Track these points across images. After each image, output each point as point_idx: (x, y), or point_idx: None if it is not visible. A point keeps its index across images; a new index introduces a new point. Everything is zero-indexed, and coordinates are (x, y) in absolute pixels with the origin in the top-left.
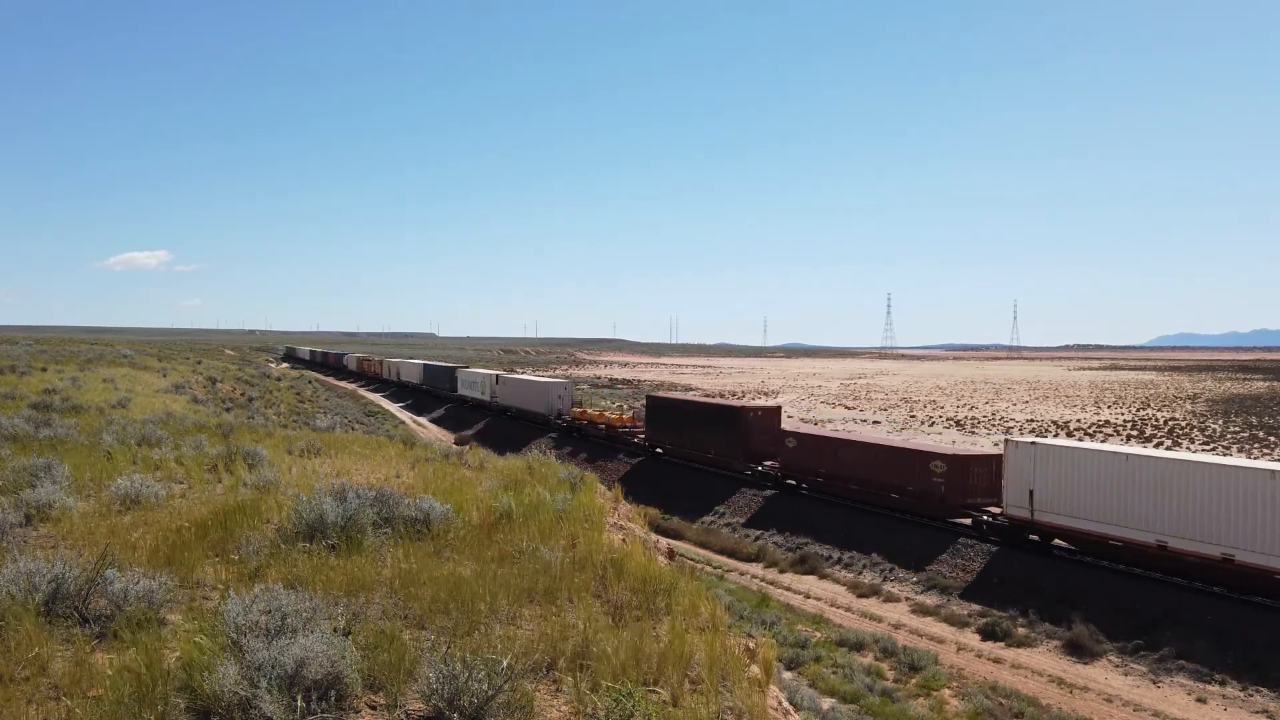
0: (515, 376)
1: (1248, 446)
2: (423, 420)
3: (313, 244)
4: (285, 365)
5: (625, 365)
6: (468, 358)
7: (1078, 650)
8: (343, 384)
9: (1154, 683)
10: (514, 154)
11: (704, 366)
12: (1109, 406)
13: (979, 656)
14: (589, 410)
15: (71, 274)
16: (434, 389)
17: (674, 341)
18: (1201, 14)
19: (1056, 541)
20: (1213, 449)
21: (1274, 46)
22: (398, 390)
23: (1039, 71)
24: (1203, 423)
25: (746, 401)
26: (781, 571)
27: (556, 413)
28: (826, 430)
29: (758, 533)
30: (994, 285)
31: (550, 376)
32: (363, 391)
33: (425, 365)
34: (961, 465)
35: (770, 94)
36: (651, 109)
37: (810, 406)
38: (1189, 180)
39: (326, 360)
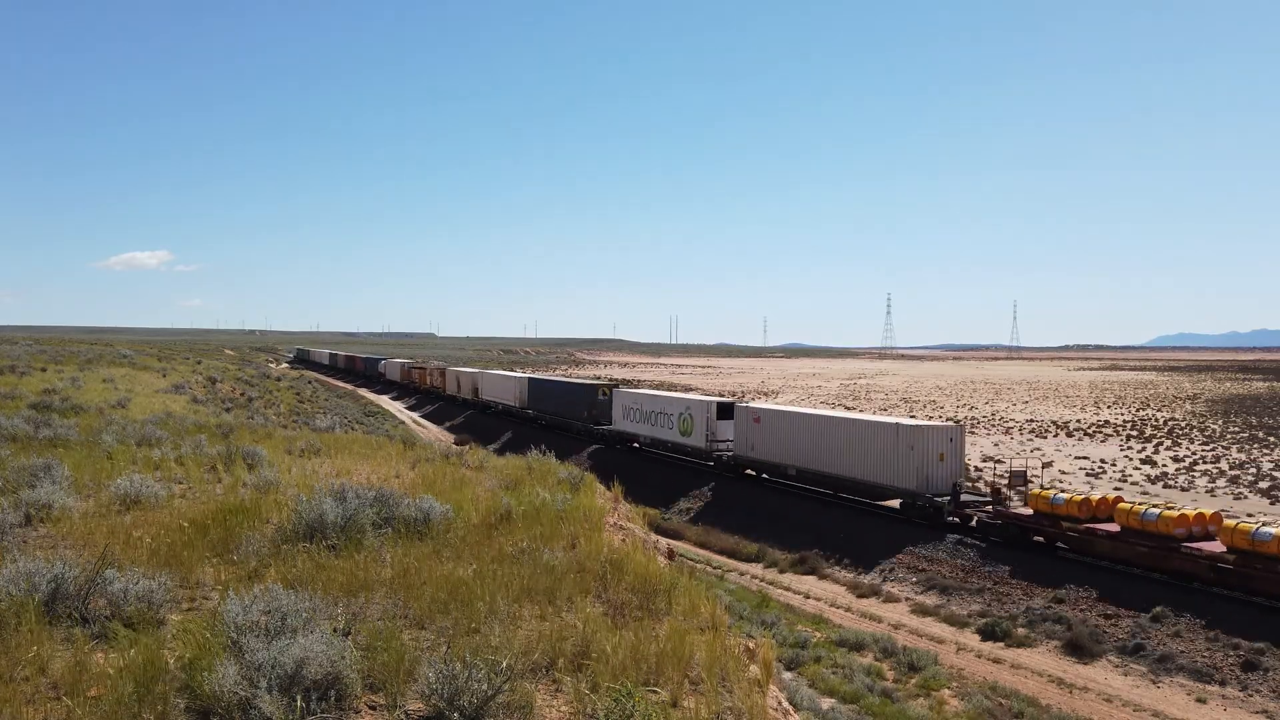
0: (798, 411)
1: (1247, 446)
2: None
3: (313, 244)
4: (284, 366)
5: (625, 365)
6: (467, 358)
7: (1077, 650)
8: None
9: (1154, 683)
10: (514, 154)
11: (704, 366)
12: (1109, 407)
13: (979, 656)
14: (1113, 501)
15: (71, 274)
16: (548, 417)
17: (674, 342)
18: (1202, 16)
19: None
20: (1212, 449)
21: (1274, 48)
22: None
23: (1039, 73)
24: (1202, 423)
25: None
26: (781, 572)
27: (950, 490)
28: None
29: None
30: (994, 285)
31: (888, 415)
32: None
33: (532, 380)
34: None
35: (771, 96)
36: (652, 110)
37: (810, 407)
38: (1189, 180)
39: (353, 366)
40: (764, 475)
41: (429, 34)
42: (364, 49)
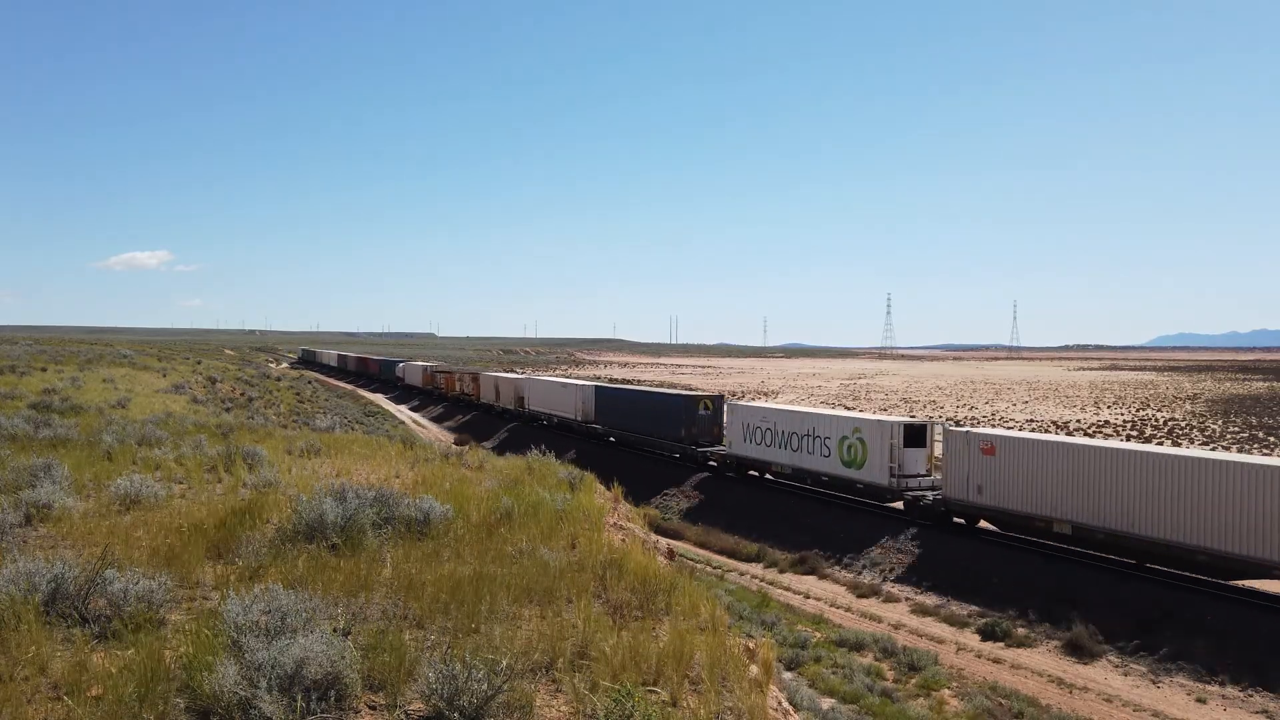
0: (1073, 443)
1: (1247, 446)
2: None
3: (313, 244)
4: (284, 366)
5: (625, 365)
6: (467, 358)
7: (1077, 650)
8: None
9: (1154, 683)
10: (515, 154)
11: (704, 366)
12: (1109, 407)
13: (979, 656)
14: None
15: (71, 274)
16: (620, 434)
17: (674, 342)
18: (1202, 16)
19: None
20: (1212, 449)
21: (1274, 48)
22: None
23: (1039, 73)
24: (1202, 423)
25: None
26: (781, 571)
27: None
28: None
29: None
30: (994, 285)
31: None
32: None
33: (601, 389)
34: None
35: (771, 96)
36: (652, 110)
37: (810, 407)
38: (1189, 180)
39: (366, 369)
40: (980, 525)
41: (429, 34)
42: (365, 49)
